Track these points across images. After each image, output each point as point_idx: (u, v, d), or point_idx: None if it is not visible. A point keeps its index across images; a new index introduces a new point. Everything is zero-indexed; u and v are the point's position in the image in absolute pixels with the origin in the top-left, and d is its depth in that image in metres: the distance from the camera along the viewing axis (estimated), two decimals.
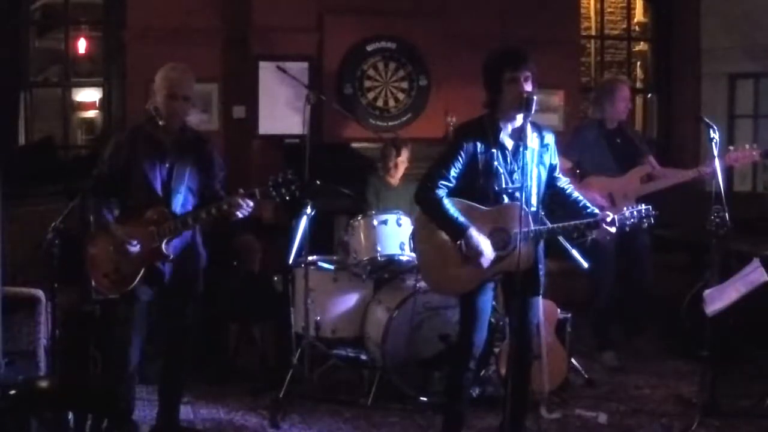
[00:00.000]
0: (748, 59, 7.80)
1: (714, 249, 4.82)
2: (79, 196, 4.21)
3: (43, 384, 4.02)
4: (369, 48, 7.09)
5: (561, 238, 4.78)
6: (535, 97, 3.91)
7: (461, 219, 3.95)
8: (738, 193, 7.73)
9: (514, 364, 4.11)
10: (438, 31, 7.18)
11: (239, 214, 4.08)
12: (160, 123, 4.17)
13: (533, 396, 4.56)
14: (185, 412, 4.74)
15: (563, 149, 5.48)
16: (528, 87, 3.94)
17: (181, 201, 4.22)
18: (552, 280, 4.77)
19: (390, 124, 7.11)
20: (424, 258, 4.22)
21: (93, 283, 4.39)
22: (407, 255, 5.17)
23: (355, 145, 6.99)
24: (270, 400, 4.98)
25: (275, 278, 5.68)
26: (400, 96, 7.18)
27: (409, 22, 7.15)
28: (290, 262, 5.28)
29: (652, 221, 4.19)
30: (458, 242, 3.96)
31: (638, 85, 9.08)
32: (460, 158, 3.99)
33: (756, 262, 4.68)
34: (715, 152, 4.81)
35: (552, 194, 4.20)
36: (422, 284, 4.79)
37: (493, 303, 4.29)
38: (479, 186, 4.01)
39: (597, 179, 5.67)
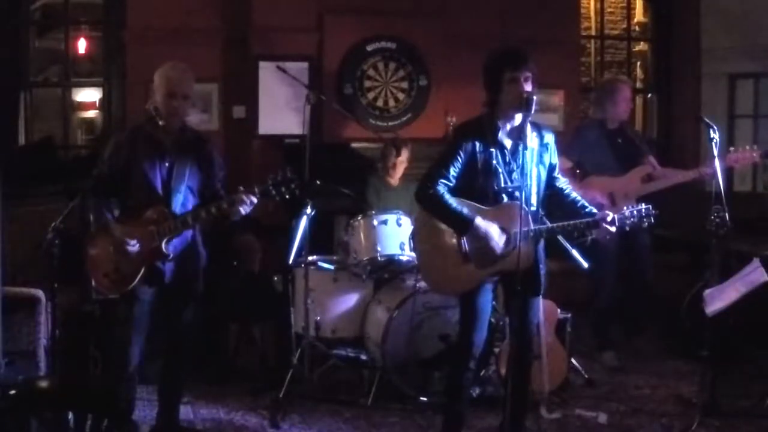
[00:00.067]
0: (748, 59, 7.79)
1: (714, 249, 4.82)
2: (79, 196, 4.21)
3: (43, 384, 4.01)
4: (369, 48, 7.09)
5: (561, 239, 4.78)
6: (534, 97, 3.91)
7: (465, 210, 3.94)
8: (738, 193, 7.72)
9: (514, 364, 4.11)
10: (438, 31, 7.18)
11: (241, 210, 4.07)
12: (160, 123, 4.17)
13: (533, 396, 4.57)
14: (185, 412, 4.75)
15: (564, 149, 5.51)
16: (528, 87, 3.94)
17: (181, 200, 4.22)
18: (552, 280, 4.77)
19: (390, 124, 7.11)
20: (424, 258, 4.22)
21: (93, 283, 4.39)
22: (407, 255, 5.17)
23: (355, 145, 6.99)
24: (270, 400, 4.98)
25: (275, 278, 5.68)
26: (400, 96, 7.18)
27: (409, 22, 7.15)
28: (290, 262, 5.28)
29: (652, 220, 4.19)
30: (463, 236, 3.95)
31: (638, 85, 9.08)
32: (459, 158, 3.99)
33: (756, 262, 4.69)
34: (715, 152, 4.81)
35: (550, 195, 4.20)
36: (422, 284, 4.79)
37: (493, 303, 4.30)
38: (478, 185, 4.00)
39: (598, 179, 5.68)
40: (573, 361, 5.41)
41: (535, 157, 4.03)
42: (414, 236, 4.42)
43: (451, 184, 3.99)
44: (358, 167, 6.49)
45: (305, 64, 6.81)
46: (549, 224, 4.12)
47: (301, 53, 6.88)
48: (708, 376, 4.82)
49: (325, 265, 5.42)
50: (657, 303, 6.12)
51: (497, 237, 3.95)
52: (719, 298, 4.65)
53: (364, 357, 5.31)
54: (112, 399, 4.13)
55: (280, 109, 6.75)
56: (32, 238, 4.44)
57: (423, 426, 4.75)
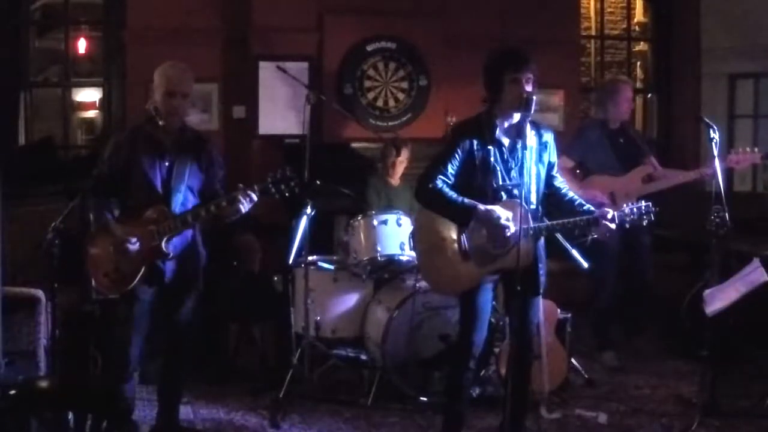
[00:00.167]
0: (748, 59, 7.79)
1: (714, 249, 4.82)
2: (79, 196, 4.21)
3: (43, 384, 4.01)
4: (369, 48, 7.09)
5: (561, 238, 4.77)
6: (534, 97, 3.91)
7: (466, 200, 3.93)
8: (738, 193, 7.72)
9: (514, 364, 4.11)
10: (438, 31, 7.18)
11: (241, 208, 4.07)
12: (160, 123, 4.17)
13: (533, 396, 4.57)
14: (185, 412, 4.75)
15: (566, 149, 5.52)
16: (529, 88, 3.94)
17: (181, 200, 4.22)
18: (552, 280, 4.77)
19: (390, 124, 7.11)
20: (424, 258, 4.22)
21: (93, 282, 4.39)
22: (407, 255, 5.17)
23: (355, 145, 6.99)
24: (270, 400, 4.98)
25: (275, 278, 5.69)
26: (400, 96, 7.17)
27: (409, 22, 7.15)
28: (290, 262, 5.28)
29: (653, 218, 4.17)
30: (466, 228, 3.94)
31: (638, 85, 9.08)
32: (456, 156, 3.99)
33: (756, 262, 4.69)
34: (715, 152, 4.82)
35: (548, 194, 4.19)
36: (422, 284, 4.79)
37: (493, 303, 4.29)
38: (477, 183, 4.00)
39: (599, 178, 5.68)
40: (573, 361, 5.41)
41: (534, 156, 4.03)
42: (414, 236, 4.42)
43: (449, 182, 3.99)
44: (358, 167, 6.49)
45: (305, 64, 6.81)
46: (548, 222, 4.12)
47: (301, 53, 6.88)
48: (708, 376, 4.82)
49: (325, 265, 5.42)
50: (657, 303, 6.12)
51: (505, 216, 3.90)
52: (719, 298, 4.65)
53: (364, 357, 5.31)
54: (112, 399, 4.12)
55: (280, 109, 6.75)
56: (32, 238, 4.43)
57: (423, 426, 4.75)
